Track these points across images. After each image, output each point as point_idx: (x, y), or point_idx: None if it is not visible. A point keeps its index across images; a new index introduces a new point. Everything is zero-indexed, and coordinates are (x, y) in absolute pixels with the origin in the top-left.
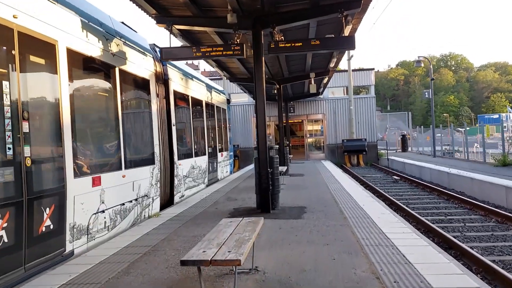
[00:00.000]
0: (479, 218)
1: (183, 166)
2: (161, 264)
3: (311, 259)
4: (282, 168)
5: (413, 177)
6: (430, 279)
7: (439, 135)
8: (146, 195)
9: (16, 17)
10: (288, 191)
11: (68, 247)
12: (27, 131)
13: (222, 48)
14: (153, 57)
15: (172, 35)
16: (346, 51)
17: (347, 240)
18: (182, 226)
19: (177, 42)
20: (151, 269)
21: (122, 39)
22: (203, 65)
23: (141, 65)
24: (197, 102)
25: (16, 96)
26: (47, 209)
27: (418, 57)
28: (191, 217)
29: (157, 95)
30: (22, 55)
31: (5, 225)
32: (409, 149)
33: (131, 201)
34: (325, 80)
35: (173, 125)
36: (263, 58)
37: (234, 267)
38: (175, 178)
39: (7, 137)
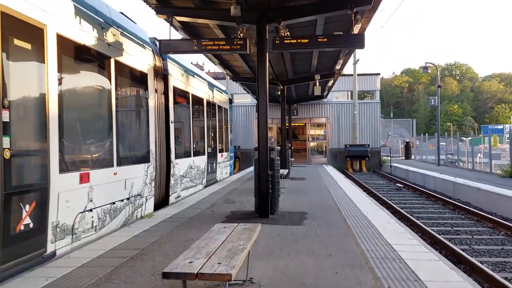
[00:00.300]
0: (487, 230)
1: (180, 166)
2: (148, 271)
3: (312, 272)
4: (283, 171)
5: (416, 185)
6: None
7: (444, 143)
8: (139, 195)
9: None
10: (289, 195)
11: (50, 248)
12: (7, 120)
13: (224, 42)
14: (152, 51)
15: (172, 28)
16: (352, 55)
17: (351, 252)
18: (175, 229)
19: (177, 36)
20: (135, 276)
21: (119, 29)
22: (208, 65)
23: (139, 58)
24: (197, 100)
25: None
26: (27, 206)
27: (426, 63)
28: (186, 219)
29: (156, 91)
30: (5, 38)
31: None
32: (412, 156)
33: (122, 200)
34: (330, 83)
35: (172, 122)
36: (267, 55)
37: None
38: (171, 177)
39: None
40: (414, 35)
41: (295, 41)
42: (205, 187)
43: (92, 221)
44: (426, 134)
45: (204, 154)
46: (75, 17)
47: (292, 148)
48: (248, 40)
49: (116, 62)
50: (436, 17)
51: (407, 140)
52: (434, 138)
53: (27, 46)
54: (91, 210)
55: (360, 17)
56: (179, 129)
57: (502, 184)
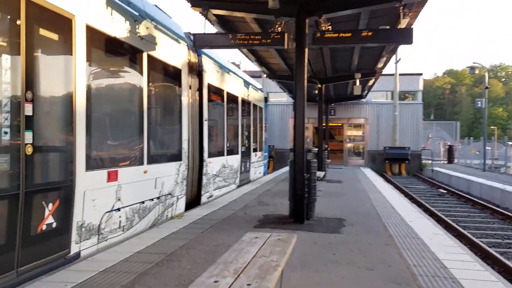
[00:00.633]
0: None
1: (213, 165)
2: (172, 281)
3: None
4: (320, 174)
5: (460, 191)
6: None
7: (489, 148)
8: (170, 194)
9: None
10: (325, 199)
11: (74, 249)
12: (30, 114)
13: (260, 37)
14: (187, 46)
15: (208, 23)
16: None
17: (395, 266)
18: (206, 232)
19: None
20: (159, 286)
21: (153, 22)
22: (244, 64)
23: (173, 53)
24: (232, 98)
25: (19, 73)
26: (50, 205)
27: (473, 63)
28: (217, 221)
29: (189, 87)
30: (30, 27)
31: None
32: (455, 160)
33: (152, 200)
34: (371, 82)
35: (205, 120)
36: (306, 50)
37: None
38: (203, 176)
39: (3, 119)
40: (457, 33)
41: (337, 35)
42: (238, 187)
43: (120, 221)
44: (471, 138)
45: (237, 153)
46: (106, 8)
47: (329, 149)
48: (286, 34)
49: (149, 56)
50: (481, 18)
51: (450, 144)
52: (478, 142)
53: (54, 37)
54: (118, 209)
55: (408, 11)
56: (213, 127)
57: None
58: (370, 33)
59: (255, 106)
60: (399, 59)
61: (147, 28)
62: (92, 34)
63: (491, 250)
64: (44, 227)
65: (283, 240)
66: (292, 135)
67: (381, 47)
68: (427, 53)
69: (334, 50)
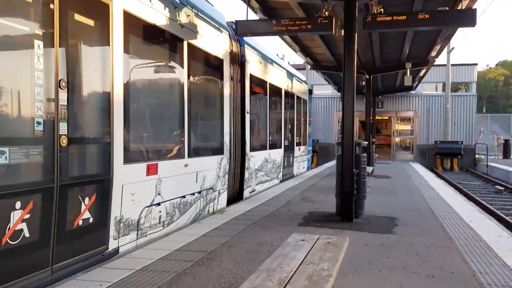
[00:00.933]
0: None
1: (255, 159)
2: (212, 282)
3: None
4: (368, 169)
5: None
6: None
7: None
8: (212, 188)
9: None
10: (374, 196)
11: (112, 245)
12: (65, 104)
13: (306, 22)
14: (229, 35)
15: (251, 10)
16: (449, 42)
17: (458, 273)
18: (248, 229)
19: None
20: None
21: (193, 10)
22: (288, 57)
23: (214, 42)
24: (275, 90)
25: (53, 60)
26: (86, 199)
27: None
28: (260, 217)
29: (231, 78)
30: (64, 12)
31: (26, 216)
32: None
33: (193, 194)
34: (422, 73)
35: (247, 113)
36: (356, 37)
37: None
38: (245, 171)
39: (36, 109)
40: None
41: (390, 18)
42: (280, 182)
43: (160, 216)
44: None
45: (280, 147)
46: None
47: (375, 143)
48: (334, 19)
49: (190, 45)
50: None
51: (507, 138)
52: None
53: (90, 22)
54: (158, 204)
55: None
56: (255, 120)
57: None
58: (427, 16)
59: (298, 98)
60: (452, 48)
61: (187, 16)
62: (130, 20)
63: None
64: (80, 222)
65: (333, 244)
66: (337, 128)
67: (436, 34)
68: (479, 43)
69: (384, 38)
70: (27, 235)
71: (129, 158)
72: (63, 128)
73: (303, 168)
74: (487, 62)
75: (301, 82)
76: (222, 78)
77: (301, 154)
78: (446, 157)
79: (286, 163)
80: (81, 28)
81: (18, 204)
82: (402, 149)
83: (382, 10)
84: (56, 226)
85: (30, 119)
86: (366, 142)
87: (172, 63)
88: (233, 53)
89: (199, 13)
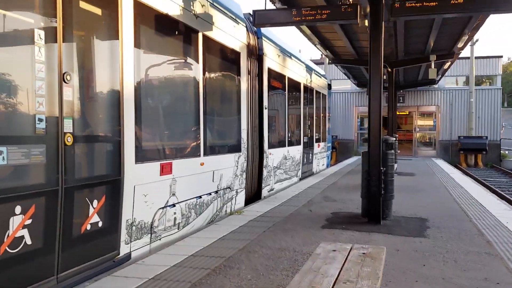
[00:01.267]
0: None
1: (274, 156)
2: None
3: None
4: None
5: None
6: None
7: None
8: (229, 187)
9: None
10: (399, 195)
11: (123, 250)
12: (70, 99)
13: (329, 11)
14: (246, 27)
15: (269, 1)
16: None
17: (506, 284)
18: (267, 231)
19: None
20: None
21: (209, 0)
22: (305, 53)
23: (231, 35)
24: (294, 84)
25: (56, 51)
26: (95, 202)
27: None
28: (280, 219)
29: (248, 72)
30: None
31: (28, 222)
32: None
33: (210, 194)
34: (446, 66)
35: (265, 108)
36: (383, 26)
37: None
38: (264, 169)
39: (37, 104)
40: None
41: (420, 4)
42: (300, 179)
43: (175, 218)
44: None
45: (299, 144)
46: None
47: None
48: (358, 6)
49: (205, 37)
50: None
51: None
52: None
53: (97, 11)
54: (173, 205)
55: None
56: (273, 116)
57: None
58: (460, 0)
59: (318, 93)
60: (477, 40)
61: (202, 5)
62: (141, 9)
63: None
64: (88, 227)
65: (369, 255)
66: (356, 124)
67: (464, 23)
68: (502, 36)
69: (409, 29)
70: (29, 242)
71: (141, 157)
72: (68, 125)
73: (323, 165)
74: (508, 55)
75: (320, 77)
76: (239, 72)
77: (321, 150)
78: (470, 152)
79: (305, 160)
80: (87, 16)
81: (18, 209)
82: (424, 145)
83: None
84: (61, 231)
85: (30, 116)
86: (394, 139)
87: (186, 55)
88: (250, 46)
89: (214, 3)
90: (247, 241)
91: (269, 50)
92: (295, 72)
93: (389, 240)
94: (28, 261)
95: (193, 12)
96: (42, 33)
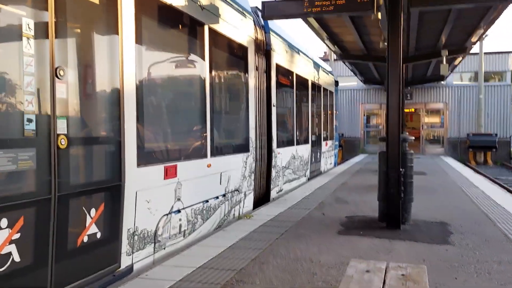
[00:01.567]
0: None
1: (282, 155)
2: None
3: None
4: None
5: None
6: None
7: None
8: (237, 190)
9: None
10: (414, 196)
11: (125, 262)
12: (63, 96)
13: (344, 1)
14: (253, 21)
15: None
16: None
17: None
18: (280, 238)
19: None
20: None
21: None
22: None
23: (238, 28)
24: (302, 81)
25: (47, 43)
26: (92, 211)
27: None
28: (292, 223)
29: (256, 68)
30: None
31: (16, 236)
32: None
33: (217, 197)
34: (457, 61)
35: (273, 106)
36: (402, 14)
37: None
38: (272, 169)
39: (26, 103)
40: None
41: None
42: (308, 179)
43: (180, 225)
44: None
45: (307, 143)
46: None
47: None
48: None
49: (211, 30)
50: None
51: None
52: None
53: (94, 0)
54: (178, 211)
55: None
56: (281, 114)
57: None
58: None
59: (325, 90)
60: (486, 35)
61: None
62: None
63: None
64: (85, 239)
65: (410, 278)
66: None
67: (481, 16)
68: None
69: (422, 23)
70: (17, 259)
71: (143, 159)
72: (61, 126)
73: (330, 164)
74: None
75: (327, 73)
76: (246, 68)
77: (328, 149)
78: (479, 150)
79: (313, 160)
80: (83, 4)
81: (3, 223)
82: (431, 143)
83: None
84: (54, 245)
85: (18, 116)
86: (413, 138)
87: (191, 49)
88: (258, 40)
89: None
90: (259, 250)
91: (277, 45)
92: (303, 68)
93: (413, 248)
94: (17, 280)
95: (198, 3)
96: (31, 22)
